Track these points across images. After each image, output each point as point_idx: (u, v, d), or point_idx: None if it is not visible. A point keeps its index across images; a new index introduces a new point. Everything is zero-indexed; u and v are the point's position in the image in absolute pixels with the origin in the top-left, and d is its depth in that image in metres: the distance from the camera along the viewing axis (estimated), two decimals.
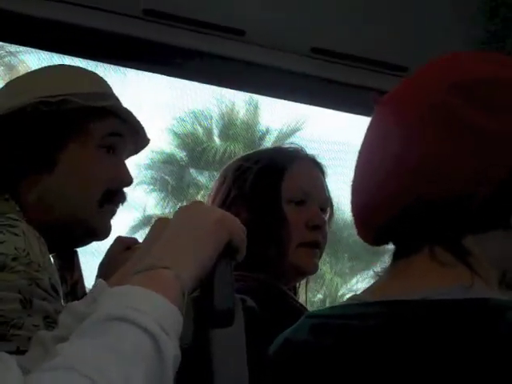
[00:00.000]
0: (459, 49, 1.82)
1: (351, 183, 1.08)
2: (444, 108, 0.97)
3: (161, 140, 14.61)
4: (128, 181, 1.38)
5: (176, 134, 15.05)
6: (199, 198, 14.20)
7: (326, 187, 1.66)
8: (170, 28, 1.82)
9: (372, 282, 1.08)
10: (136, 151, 1.44)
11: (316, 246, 1.60)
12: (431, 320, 0.93)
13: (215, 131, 15.21)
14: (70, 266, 1.54)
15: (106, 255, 1.50)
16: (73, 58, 1.80)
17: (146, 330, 0.77)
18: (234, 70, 1.89)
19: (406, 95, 1.03)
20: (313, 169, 1.65)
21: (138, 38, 1.82)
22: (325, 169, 1.67)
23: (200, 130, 15.21)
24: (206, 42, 1.84)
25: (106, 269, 1.45)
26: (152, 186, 15.08)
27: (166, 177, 15.04)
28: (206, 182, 15.07)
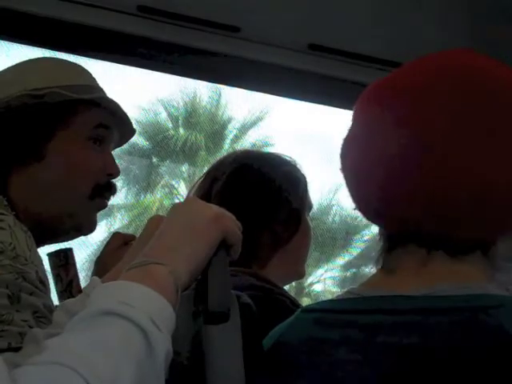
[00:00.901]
0: (455, 44, 1.83)
1: (355, 172, 1.05)
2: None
3: None
4: (115, 172, 1.38)
5: (138, 123, 15.05)
6: (160, 186, 14.27)
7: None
8: (164, 25, 1.81)
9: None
10: (121, 143, 1.44)
11: None
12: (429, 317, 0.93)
13: (178, 120, 15.21)
14: (66, 263, 1.53)
15: (102, 251, 1.50)
16: (68, 54, 1.79)
17: (137, 325, 0.76)
18: (229, 66, 1.88)
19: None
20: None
21: (132, 34, 1.81)
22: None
23: (162, 119, 15.22)
24: (201, 38, 1.84)
25: (103, 265, 1.45)
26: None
27: (129, 165, 15.04)
28: (167, 171, 15.06)
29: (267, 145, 14.93)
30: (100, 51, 1.85)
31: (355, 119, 1.07)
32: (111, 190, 1.39)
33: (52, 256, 1.57)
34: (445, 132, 0.95)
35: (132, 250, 1.16)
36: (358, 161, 1.04)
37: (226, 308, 0.94)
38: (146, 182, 14.82)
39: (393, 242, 1.04)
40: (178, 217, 0.96)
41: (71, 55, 1.78)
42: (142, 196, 15.38)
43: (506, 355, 0.85)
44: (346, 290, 1.10)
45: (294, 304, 1.48)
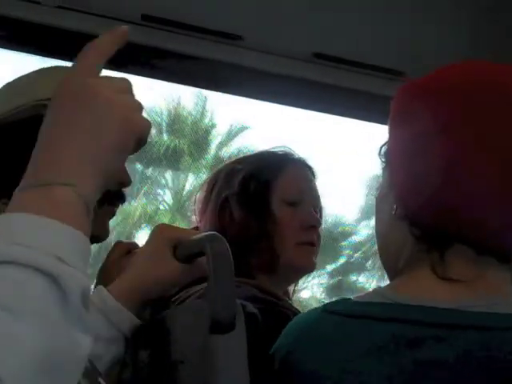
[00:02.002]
0: (456, 54, 1.84)
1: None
2: None
3: None
4: (127, 181, 1.37)
5: None
6: (143, 192, 14.28)
7: (317, 188, 1.67)
8: (168, 33, 1.81)
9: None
10: (135, 150, 1.43)
11: (312, 245, 1.60)
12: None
13: (162, 126, 15.21)
14: None
15: (105, 261, 1.49)
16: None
17: (37, 269, 0.62)
18: (232, 75, 1.89)
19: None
20: (305, 171, 1.66)
21: (136, 43, 1.81)
22: (315, 171, 1.68)
23: None
24: (204, 47, 1.84)
25: (107, 274, 1.44)
26: None
27: None
28: (151, 176, 15.07)
29: (251, 152, 14.90)
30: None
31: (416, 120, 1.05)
32: (121, 198, 1.38)
33: None
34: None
35: (136, 258, 1.15)
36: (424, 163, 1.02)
37: (232, 317, 0.93)
38: (130, 188, 14.80)
39: (440, 244, 1.03)
40: (80, 113, 0.72)
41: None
42: (126, 202, 15.28)
43: None
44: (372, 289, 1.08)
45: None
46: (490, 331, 0.91)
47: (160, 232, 1.14)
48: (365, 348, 0.98)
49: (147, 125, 0.77)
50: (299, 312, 1.52)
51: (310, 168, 1.67)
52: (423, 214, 1.03)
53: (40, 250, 0.63)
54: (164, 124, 15.37)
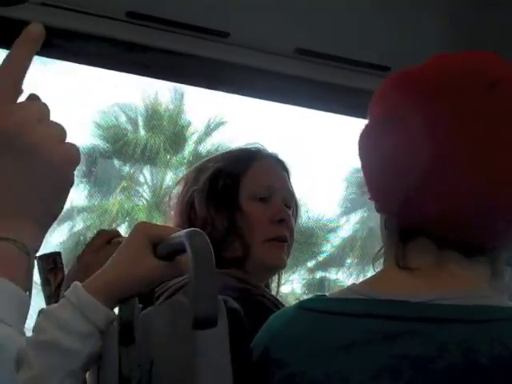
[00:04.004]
0: (441, 49, 1.86)
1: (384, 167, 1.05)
2: None
3: (84, 132, 14.55)
4: None
5: (99, 126, 14.98)
6: (120, 188, 14.26)
7: (290, 184, 1.68)
8: (153, 30, 1.81)
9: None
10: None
11: (282, 241, 1.60)
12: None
13: (139, 123, 15.16)
14: (54, 267, 1.53)
15: (85, 248, 1.49)
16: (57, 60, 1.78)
17: None
18: (219, 71, 1.89)
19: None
20: (275, 166, 1.67)
21: (121, 40, 1.81)
22: (288, 166, 1.69)
23: (123, 121, 15.16)
24: (190, 44, 1.84)
25: (85, 264, 1.43)
26: (76, 178, 15.00)
27: (92, 168, 14.96)
28: (129, 173, 15.01)
29: (229, 148, 14.89)
30: (89, 57, 1.84)
31: (383, 114, 1.07)
32: None
33: (40, 260, 1.57)
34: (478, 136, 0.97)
35: (115, 256, 1.14)
36: (388, 157, 1.04)
37: (214, 313, 0.93)
38: (107, 185, 14.78)
39: (405, 237, 1.04)
40: (6, 162, 0.68)
41: (60, 61, 1.76)
42: (103, 198, 15.29)
43: None
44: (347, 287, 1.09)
45: (275, 304, 1.49)
46: (464, 324, 0.92)
47: (140, 229, 1.14)
48: (342, 344, 0.99)
49: (76, 150, 0.73)
50: (278, 300, 1.53)
51: (281, 163, 1.68)
52: (389, 207, 1.05)
53: None
54: (141, 120, 15.35)
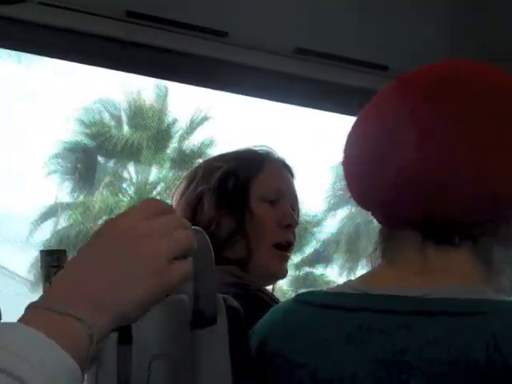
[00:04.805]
0: (440, 48, 1.87)
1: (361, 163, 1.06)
2: None
3: (68, 129, 14.46)
4: None
5: (83, 123, 14.94)
6: (103, 184, 14.18)
7: (295, 188, 1.70)
8: (153, 30, 1.81)
9: None
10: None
11: (288, 247, 1.62)
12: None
13: (122, 119, 15.11)
14: (58, 265, 1.54)
15: None
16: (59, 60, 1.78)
17: None
18: (217, 71, 1.90)
19: None
20: (283, 170, 1.69)
21: (121, 39, 1.81)
22: (293, 171, 1.71)
23: (107, 118, 15.11)
24: (189, 43, 1.84)
25: None
26: (61, 175, 14.95)
27: (76, 165, 14.89)
28: (113, 169, 14.96)
29: (213, 144, 14.91)
30: (89, 56, 1.84)
31: (368, 114, 1.08)
32: None
33: (45, 254, 1.57)
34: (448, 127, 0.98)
35: None
36: (366, 153, 1.05)
37: (213, 311, 0.94)
38: (91, 181, 14.78)
39: (391, 232, 1.06)
40: (114, 255, 0.76)
41: (62, 61, 1.77)
42: (87, 195, 15.25)
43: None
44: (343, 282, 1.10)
45: (273, 300, 1.49)
46: (455, 317, 0.93)
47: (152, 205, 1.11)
48: (338, 337, 1.00)
49: (184, 272, 0.78)
50: (275, 296, 1.54)
51: (288, 168, 1.70)
52: (376, 202, 1.06)
53: (39, 374, 0.66)
54: (124, 117, 15.30)
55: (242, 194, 1.60)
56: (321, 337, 1.02)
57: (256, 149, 1.69)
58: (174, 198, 1.67)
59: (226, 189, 1.60)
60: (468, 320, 0.92)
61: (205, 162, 1.70)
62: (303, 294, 1.12)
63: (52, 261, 1.56)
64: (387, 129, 1.02)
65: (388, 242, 1.07)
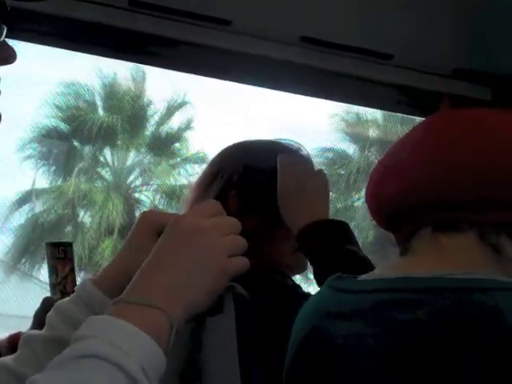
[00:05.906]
0: (444, 37, 1.88)
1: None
2: None
3: (42, 113, 14.34)
4: None
5: (57, 107, 14.82)
6: (77, 168, 14.10)
7: None
8: (156, 18, 1.79)
9: None
10: None
11: None
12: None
13: (97, 103, 15.01)
14: (63, 257, 1.53)
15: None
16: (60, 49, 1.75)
17: (128, 373, 0.73)
18: (221, 60, 1.88)
19: None
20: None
21: (124, 28, 1.79)
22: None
23: (81, 101, 15.00)
24: (192, 32, 1.82)
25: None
26: (36, 160, 14.83)
27: (52, 150, 14.79)
28: (88, 153, 14.88)
29: (190, 128, 14.86)
30: (91, 45, 1.82)
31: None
32: None
33: (50, 246, 1.56)
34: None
35: (122, 252, 1.12)
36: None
37: (220, 299, 0.92)
38: (66, 166, 14.70)
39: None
40: (184, 249, 0.86)
41: (64, 50, 1.74)
42: (62, 180, 15.16)
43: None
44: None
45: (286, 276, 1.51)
46: (467, 293, 0.95)
47: (145, 219, 1.07)
48: (353, 311, 1.04)
49: (242, 266, 0.88)
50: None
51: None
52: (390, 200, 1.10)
53: (132, 358, 0.74)
54: (100, 100, 15.21)
55: (275, 194, 1.54)
56: (337, 312, 1.07)
57: (286, 144, 1.62)
58: (193, 190, 1.62)
59: (252, 188, 1.55)
60: (471, 295, 0.94)
61: (233, 155, 1.61)
62: (333, 280, 1.14)
63: (58, 253, 1.55)
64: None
65: (406, 242, 1.09)
